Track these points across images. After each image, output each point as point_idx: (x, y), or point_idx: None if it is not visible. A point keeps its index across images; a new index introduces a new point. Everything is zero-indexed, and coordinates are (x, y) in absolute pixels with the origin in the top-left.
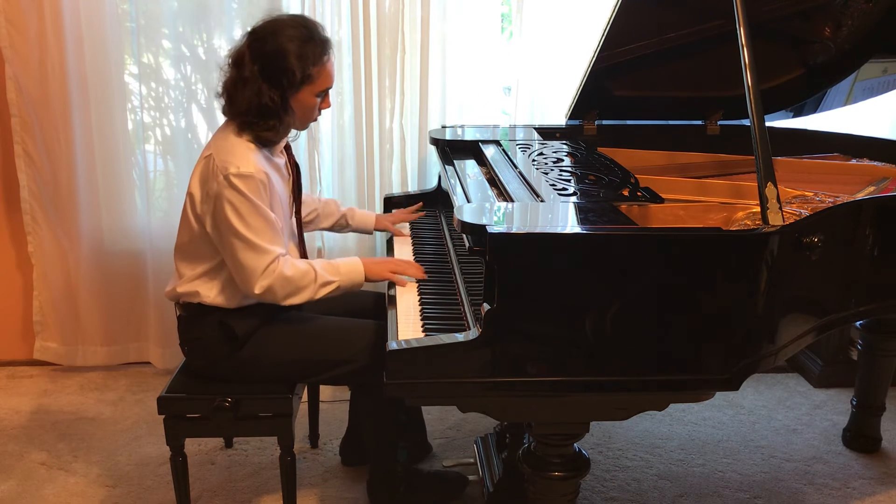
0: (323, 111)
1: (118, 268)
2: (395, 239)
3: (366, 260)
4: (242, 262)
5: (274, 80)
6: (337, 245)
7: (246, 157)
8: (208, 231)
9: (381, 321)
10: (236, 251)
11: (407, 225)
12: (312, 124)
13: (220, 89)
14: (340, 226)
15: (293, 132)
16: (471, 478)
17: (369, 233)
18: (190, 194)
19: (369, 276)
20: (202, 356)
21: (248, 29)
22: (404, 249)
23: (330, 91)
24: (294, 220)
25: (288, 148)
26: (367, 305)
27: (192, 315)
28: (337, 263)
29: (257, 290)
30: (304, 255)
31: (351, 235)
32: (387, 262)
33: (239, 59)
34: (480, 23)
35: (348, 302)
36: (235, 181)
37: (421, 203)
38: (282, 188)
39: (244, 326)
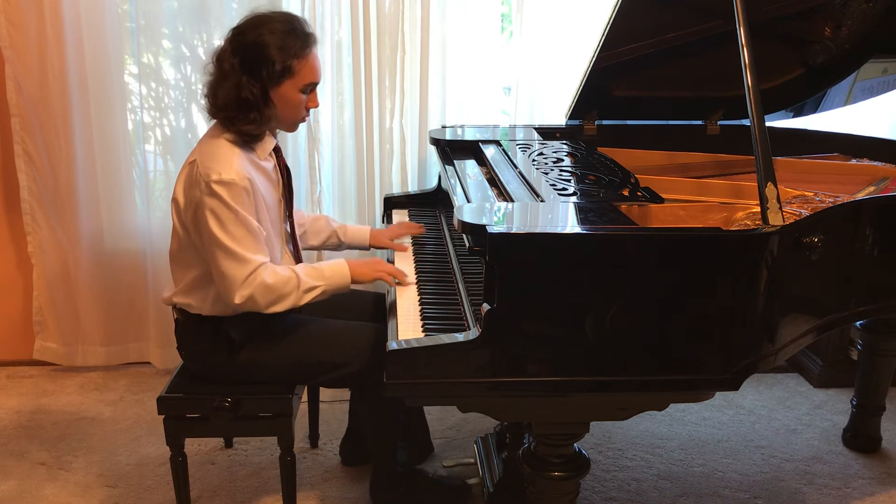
0: (311, 110)
1: (118, 268)
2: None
3: (352, 262)
4: (223, 270)
5: (254, 72)
6: None
7: (229, 162)
8: (193, 239)
9: (380, 324)
10: (218, 260)
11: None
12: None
13: (205, 88)
14: (332, 244)
15: (281, 134)
16: (471, 481)
17: (365, 249)
18: (175, 200)
19: (355, 277)
20: (199, 361)
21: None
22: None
23: (317, 88)
24: (287, 224)
25: (277, 150)
26: (366, 307)
27: (188, 320)
28: (321, 267)
29: (237, 300)
30: (298, 258)
31: (351, 228)
32: (374, 262)
33: (221, 56)
34: (480, 23)
35: (347, 304)
36: (217, 188)
37: (423, 228)
38: (269, 193)
39: (241, 332)
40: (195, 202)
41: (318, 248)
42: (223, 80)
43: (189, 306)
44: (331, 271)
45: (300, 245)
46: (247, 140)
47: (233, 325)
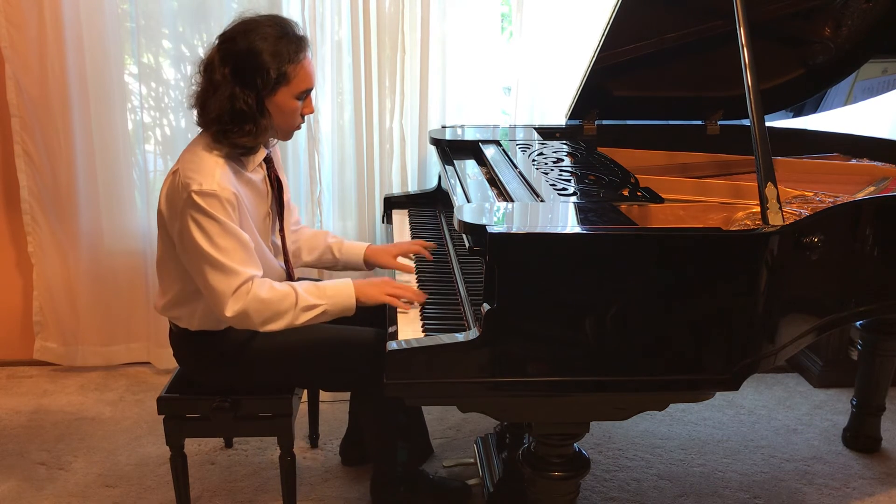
0: (306, 116)
1: (118, 268)
2: (394, 234)
3: (358, 281)
4: (211, 284)
5: (247, 82)
6: None
7: (211, 173)
8: (178, 253)
9: (379, 328)
10: (205, 273)
11: (407, 226)
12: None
13: (192, 100)
14: (328, 260)
15: (273, 141)
16: (471, 481)
17: (361, 269)
18: (159, 212)
19: (361, 299)
20: (195, 370)
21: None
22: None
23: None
24: (279, 237)
25: (268, 161)
26: (367, 308)
27: (179, 332)
28: (323, 285)
29: (229, 314)
30: (291, 274)
31: (351, 232)
32: (382, 283)
33: (209, 65)
34: (480, 23)
35: None
36: (198, 199)
37: (434, 245)
38: (256, 206)
39: (233, 344)
40: (178, 214)
41: (315, 266)
42: (214, 92)
43: (178, 319)
44: (333, 290)
45: (292, 262)
46: (240, 153)
47: (224, 338)
